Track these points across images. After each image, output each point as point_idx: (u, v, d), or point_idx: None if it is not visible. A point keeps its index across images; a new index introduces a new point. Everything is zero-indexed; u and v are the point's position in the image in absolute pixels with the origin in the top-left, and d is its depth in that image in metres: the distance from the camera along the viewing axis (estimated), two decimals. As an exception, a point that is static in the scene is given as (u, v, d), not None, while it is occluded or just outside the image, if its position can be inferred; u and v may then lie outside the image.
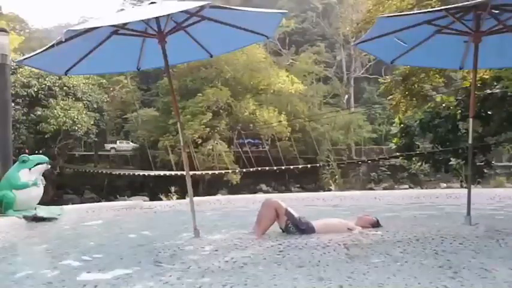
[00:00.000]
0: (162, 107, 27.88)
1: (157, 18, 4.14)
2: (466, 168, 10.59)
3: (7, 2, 72.71)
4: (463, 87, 11.74)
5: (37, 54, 4.13)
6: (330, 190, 16.25)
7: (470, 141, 5.03)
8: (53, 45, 3.65)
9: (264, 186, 26.72)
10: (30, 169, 5.69)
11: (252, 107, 26.67)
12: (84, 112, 23.12)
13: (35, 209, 5.70)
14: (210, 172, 22.16)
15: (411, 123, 12.39)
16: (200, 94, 25.84)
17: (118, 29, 4.44)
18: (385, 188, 23.13)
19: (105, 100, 26.09)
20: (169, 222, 6.05)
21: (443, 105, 11.51)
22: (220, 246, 3.95)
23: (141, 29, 4.45)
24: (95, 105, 24.61)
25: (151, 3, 4.14)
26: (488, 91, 10.74)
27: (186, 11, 4.19)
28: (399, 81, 14.03)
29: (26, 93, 21.51)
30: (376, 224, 4.45)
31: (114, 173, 23.63)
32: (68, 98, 23.18)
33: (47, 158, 6.06)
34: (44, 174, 5.94)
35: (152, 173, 23.15)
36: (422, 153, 13.18)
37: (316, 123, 29.04)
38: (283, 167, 22.45)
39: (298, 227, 4.10)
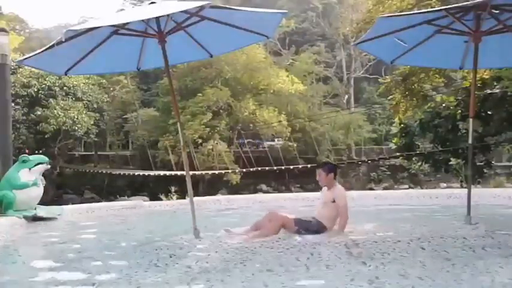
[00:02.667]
0: (162, 107, 27.80)
1: (157, 18, 4.14)
2: (466, 168, 10.59)
3: (7, 2, 72.49)
4: (463, 87, 11.72)
5: (37, 54, 4.14)
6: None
7: (470, 141, 5.03)
8: (53, 45, 3.66)
9: (264, 186, 26.67)
10: (30, 169, 5.70)
11: (252, 107, 26.61)
12: (84, 112, 23.06)
13: (35, 209, 5.71)
14: (210, 172, 22.13)
15: (411, 123, 12.39)
16: (200, 94, 25.78)
17: (118, 29, 4.44)
18: (385, 188, 23.08)
19: (105, 100, 26.02)
20: (169, 222, 6.06)
21: (443, 105, 11.50)
22: (220, 246, 3.96)
23: (141, 29, 4.45)
24: (95, 105, 24.55)
25: (151, 3, 4.14)
26: (488, 91, 10.74)
27: (186, 11, 4.19)
28: (399, 81, 14.01)
29: (26, 93, 21.47)
30: (331, 168, 4.47)
31: (114, 173, 23.57)
32: (68, 98, 23.12)
33: (47, 158, 6.07)
34: (44, 174, 5.95)
35: (152, 173, 23.10)
36: (422, 153, 13.18)
37: (316, 123, 28.97)
38: (283, 167, 22.42)
39: (309, 230, 4.18)
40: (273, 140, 29.85)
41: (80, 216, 6.26)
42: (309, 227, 4.20)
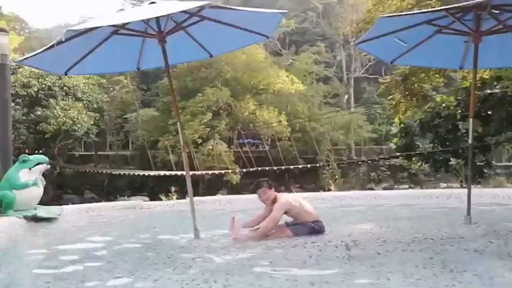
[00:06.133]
0: (162, 107, 27.76)
1: (157, 18, 4.14)
2: (466, 168, 10.58)
3: (7, 2, 72.46)
4: (463, 87, 11.70)
5: (37, 54, 4.14)
6: (330, 190, 16.25)
7: (470, 141, 5.03)
8: (53, 45, 3.66)
9: (264, 187, 26.63)
10: (30, 169, 5.69)
11: (252, 107, 26.57)
12: (84, 112, 23.02)
13: (35, 209, 5.71)
14: (210, 172, 22.12)
15: (411, 123, 12.38)
16: (200, 94, 25.77)
17: (118, 29, 4.44)
18: (385, 188, 23.07)
19: (105, 100, 26.00)
20: (169, 223, 6.06)
21: (443, 105, 11.49)
22: (220, 246, 3.96)
23: (141, 29, 4.45)
24: (95, 105, 24.51)
25: (151, 3, 4.14)
26: (488, 91, 10.72)
27: (186, 11, 4.19)
28: (399, 81, 14.01)
29: (26, 93, 21.43)
30: (271, 183, 4.36)
31: (114, 173, 23.54)
32: (68, 98, 23.09)
33: (47, 158, 6.06)
34: (44, 174, 5.94)
35: (152, 173, 23.07)
36: (422, 153, 13.17)
37: (316, 123, 28.92)
38: (283, 167, 22.41)
39: (309, 233, 4.22)
40: None
41: (80, 217, 6.26)
42: (308, 231, 4.24)
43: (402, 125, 12.69)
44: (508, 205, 6.29)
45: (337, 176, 19.71)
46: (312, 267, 3.13)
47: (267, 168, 22.59)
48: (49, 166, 6.05)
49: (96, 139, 25.85)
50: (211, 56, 5.27)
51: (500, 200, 6.60)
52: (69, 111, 22.05)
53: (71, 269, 3.25)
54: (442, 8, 5.02)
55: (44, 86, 22.14)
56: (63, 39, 3.41)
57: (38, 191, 5.78)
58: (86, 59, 4.70)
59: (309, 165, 22.26)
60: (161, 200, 10.30)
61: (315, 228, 4.27)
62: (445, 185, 20.54)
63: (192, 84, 27.38)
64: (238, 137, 27.75)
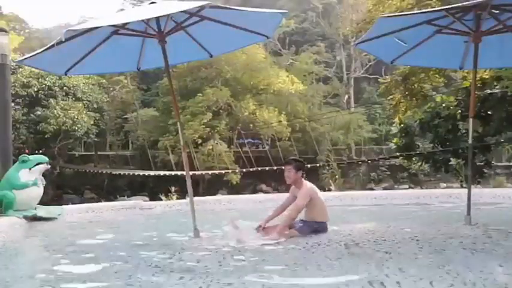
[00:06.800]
0: (162, 107, 27.77)
1: (157, 18, 4.14)
2: (466, 168, 10.57)
3: (7, 2, 72.46)
4: (463, 87, 11.69)
5: (37, 54, 4.14)
6: (330, 190, 16.23)
7: (470, 141, 5.03)
8: (53, 45, 3.66)
9: (264, 186, 26.65)
10: (30, 169, 5.70)
11: (252, 107, 26.57)
12: (84, 112, 23.03)
13: (35, 209, 5.71)
14: (210, 172, 22.12)
15: (411, 123, 12.37)
16: (200, 94, 25.77)
17: (118, 29, 4.44)
18: (385, 188, 23.08)
19: (105, 100, 26.01)
20: (169, 222, 6.06)
21: (443, 105, 11.48)
22: (220, 246, 3.95)
23: (141, 29, 4.45)
24: (95, 105, 24.53)
25: (152, 3, 4.15)
26: (488, 91, 10.72)
27: (186, 11, 4.19)
28: (399, 81, 14.01)
29: (26, 93, 21.46)
30: (301, 165, 4.47)
31: (114, 173, 23.55)
32: (68, 98, 23.11)
33: (47, 158, 6.07)
34: (44, 174, 5.94)
35: (152, 173, 23.08)
36: (422, 153, 13.16)
37: (316, 123, 28.95)
38: (283, 167, 22.39)
39: (311, 232, 4.23)
40: None
41: (80, 217, 6.26)
42: (312, 231, 4.25)
43: (402, 125, 12.67)
44: (508, 205, 6.30)
45: (337, 176, 19.70)
46: (312, 267, 3.13)
47: (267, 168, 22.60)
48: (49, 166, 6.05)
49: (96, 139, 25.86)
50: (211, 56, 5.27)
51: (500, 200, 6.60)
52: (69, 111, 22.06)
53: (71, 269, 3.25)
54: (442, 8, 5.02)
55: (44, 86, 22.15)
56: (63, 39, 3.42)
57: (38, 191, 5.78)
58: (86, 59, 4.70)
59: (309, 165, 22.16)
60: (161, 200, 10.29)
61: (317, 229, 4.26)
62: (445, 185, 20.54)
63: (192, 84, 27.39)
64: (238, 137, 27.76)
